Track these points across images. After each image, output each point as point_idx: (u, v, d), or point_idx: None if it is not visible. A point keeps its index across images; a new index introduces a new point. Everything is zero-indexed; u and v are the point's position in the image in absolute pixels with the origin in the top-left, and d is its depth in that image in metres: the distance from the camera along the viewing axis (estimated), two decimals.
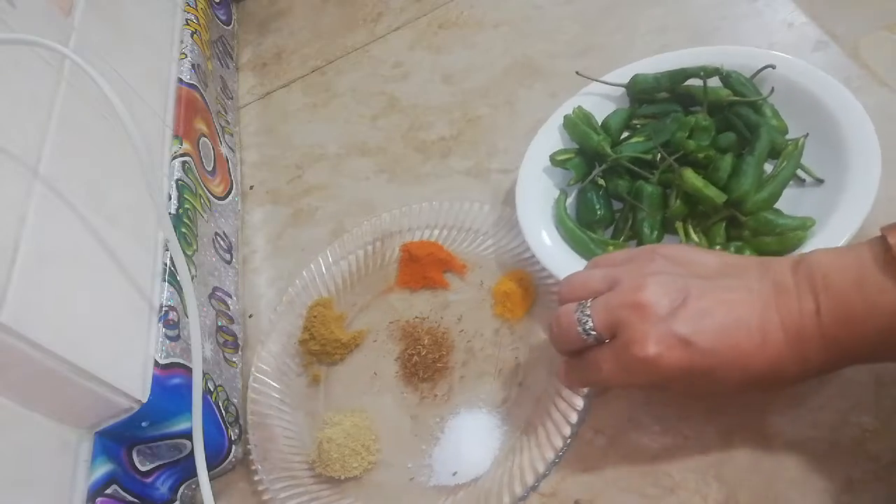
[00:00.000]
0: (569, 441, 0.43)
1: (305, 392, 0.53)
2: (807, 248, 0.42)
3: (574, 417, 0.43)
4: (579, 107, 0.55)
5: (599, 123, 0.54)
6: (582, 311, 0.37)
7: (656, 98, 0.54)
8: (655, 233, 0.48)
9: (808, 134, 0.46)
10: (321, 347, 0.54)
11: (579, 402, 0.43)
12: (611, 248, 0.47)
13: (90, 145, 0.49)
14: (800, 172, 0.46)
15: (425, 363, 0.50)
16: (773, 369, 0.33)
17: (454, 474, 0.45)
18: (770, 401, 0.40)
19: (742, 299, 0.34)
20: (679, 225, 0.47)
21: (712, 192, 0.45)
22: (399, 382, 0.51)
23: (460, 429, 0.47)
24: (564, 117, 0.55)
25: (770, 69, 0.49)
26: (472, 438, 0.47)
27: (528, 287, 0.51)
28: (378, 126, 0.72)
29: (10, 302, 0.36)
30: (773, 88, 0.49)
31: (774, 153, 0.47)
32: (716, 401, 0.41)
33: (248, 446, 0.50)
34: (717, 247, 0.45)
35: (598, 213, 0.50)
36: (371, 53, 0.79)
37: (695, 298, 0.34)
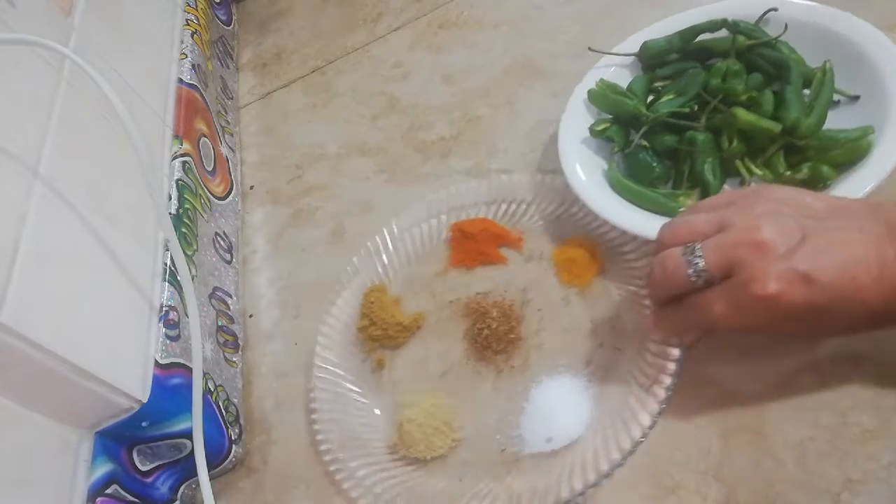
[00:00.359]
0: (670, 392, 0.42)
1: (371, 377, 0.53)
2: (874, 155, 0.43)
3: (672, 367, 0.42)
4: (601, 79, 0.55)
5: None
6: (692, 254, 0.37)
7: (668, 60, 0.55)
8: (718, 177, 0.48)
9: (829, 59, 0.47)
10: (383, 332, 0.53)
11: (675, 352, 0.42)
12: (681, 198, 0.48)
13: (90, 145, 0.49)
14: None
15: (497, 335, 0.50)
16: (888, 305, 0.34)
17: (548, 440, 0.45)
18: (770, 400, 0.40)
19: (856, 238, 0.34)
20: (739, 163, 0.48)
21: (768, 124, 0.46)
22: (470, 359, 0.51)
23: (546, 396, 0.47)
24: (588, 92, 0.55)
25: (773, 13, 0.51)
26: (561, 403, 0.46)
27: (594, 251, 0.51)
28: (378, 126, 0.72)
29: (10, 302, 0.36)
30: (786, 25, 0.50)
31: (805, 83, 0.48)
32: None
33: (318, 437, 0.50)
34: (787, 173, 0.46)
35: (657, 170, 0.50)
36: (371, 53, 0.79)
37: (812, 237, 0.34)
